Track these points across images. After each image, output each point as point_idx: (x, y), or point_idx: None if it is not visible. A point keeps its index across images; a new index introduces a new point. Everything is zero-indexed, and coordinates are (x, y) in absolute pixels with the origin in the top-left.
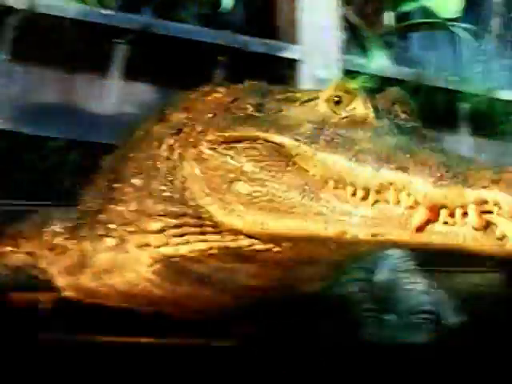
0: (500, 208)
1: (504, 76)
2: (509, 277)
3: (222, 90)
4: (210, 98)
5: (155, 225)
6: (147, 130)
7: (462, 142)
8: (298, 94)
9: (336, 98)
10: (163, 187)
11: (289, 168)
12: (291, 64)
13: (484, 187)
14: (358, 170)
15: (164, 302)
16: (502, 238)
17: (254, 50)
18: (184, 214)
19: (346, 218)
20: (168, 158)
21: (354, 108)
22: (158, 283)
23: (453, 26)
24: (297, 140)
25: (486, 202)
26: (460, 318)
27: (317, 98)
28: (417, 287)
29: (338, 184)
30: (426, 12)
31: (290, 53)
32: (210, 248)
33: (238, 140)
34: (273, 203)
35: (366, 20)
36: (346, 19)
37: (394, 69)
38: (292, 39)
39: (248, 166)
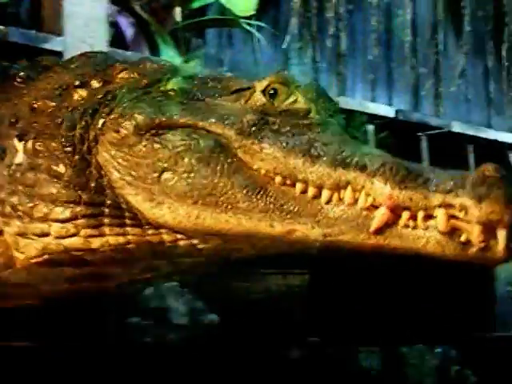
0: (466, 213)
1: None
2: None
3: (130, 67)
4: (122, 75)
5: (62, 212)
6: (62, 92)
7: None
8: (230, 82)
9: (272, 90)
10: (72, 172)
11: (229, 160)
12: (55, 56)
13: (450, 191)
14: (311, 166)
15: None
16: (467, 243)
17: (14, 40)
18: (100, 204)
19: (295, 217)
20: (82, 139)
21: (294, 101)
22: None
23: (248, 24)
24: (241, 131)
25: (452, 206)
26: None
27: (252, 87)
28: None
29: (286, 180)
30: (223, 9)
31: (53, 44)
32: (128, 242)
33: (171, 127)
34: (211, 197)
35: (156, 15)
36: (134, 13)
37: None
38: (56, 30)
39: (183, 157)
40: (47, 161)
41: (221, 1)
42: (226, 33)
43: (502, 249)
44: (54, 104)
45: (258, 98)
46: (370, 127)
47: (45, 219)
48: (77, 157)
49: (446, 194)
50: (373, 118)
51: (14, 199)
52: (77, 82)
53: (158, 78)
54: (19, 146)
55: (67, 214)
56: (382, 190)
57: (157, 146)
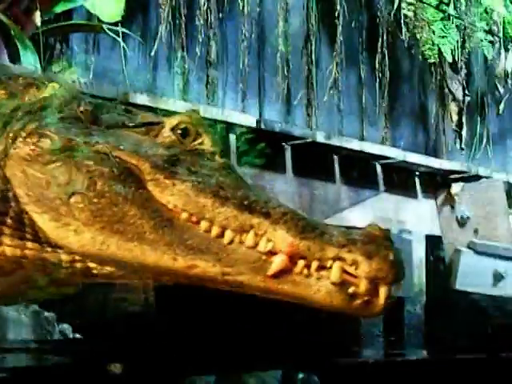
0: (357, 268)
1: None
2: None
3: (48, 84)
4: (33, 90)
5: None
6: None
7: None
8: (139, 115)
9: (181, 130)
10: None
11: (141, 191)
12: None
13: (344, 246)
14: (220, 207)
15: None
16: (353, 295)
17: None
18: (4, 213)
19: (198, 253)
20: None
21: (202, 142)
22: None
23: (112, 30)
24: (155, 165)
25: (344, 260)
26: None
27: (161, 123)
28: None
29: (192, 217)
30: (89, 14)
31: None
32: (25, 256)
33: (87, 151)
34: (119, 225)
35: (16, 19)
36: None
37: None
38: None
39: (96, 182)
40: None
41: (86, 6)
42: (93, 39)
43: (381, 303)
44: None
45: (168, 135)
46: (232, 137)
47: None
48: None
49: (340, 248)
50: (235, 127)
51: None
52: None
53: (70, 98)
54: None
55: None
56: (283, 237)
57: (71, 167)
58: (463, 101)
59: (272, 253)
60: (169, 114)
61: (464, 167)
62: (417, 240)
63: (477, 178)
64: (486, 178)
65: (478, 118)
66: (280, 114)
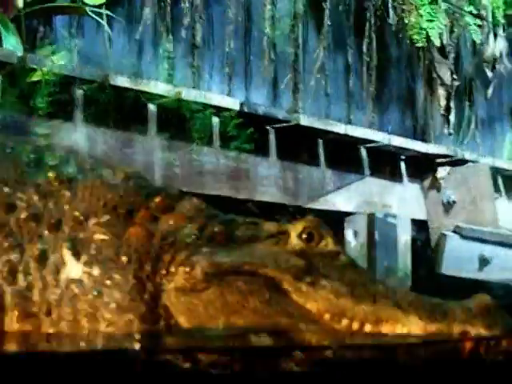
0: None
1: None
2: None
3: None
4: (170, 217)
5: None
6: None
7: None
8: (263, 225)
9: (307, 234)
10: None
11: (287, 301)
12: None
13: (466, 322)
14: (357, 305)
15: None
16: None
17: None
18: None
19: None
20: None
21: (326, 244)
22: None
23: (96, 13)
24: (296, 276)
25: (470, 335)
26: None
27: (287, 231)
28: None
29: (334, 317)
30: None
31: None
32: None
33: (235, 273)
34: None
35: None
36: None
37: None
38: None
39: (248, 300)
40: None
41: None
42: (77, 21)
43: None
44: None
45: (297, 243)
46: (215, 120)
47: None
48: (146, 296)
49: (464, 324)
50: (218, 110)
51: None
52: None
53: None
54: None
55: None
56: (416, 323)
57: (225, 291)
58: (451, 85)
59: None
60: (151, 96)
61: (450, 151)
62: (402, 224)
63: (463, 162)
64: (473, 162)
65: (467, 103)
66: (267, 99)
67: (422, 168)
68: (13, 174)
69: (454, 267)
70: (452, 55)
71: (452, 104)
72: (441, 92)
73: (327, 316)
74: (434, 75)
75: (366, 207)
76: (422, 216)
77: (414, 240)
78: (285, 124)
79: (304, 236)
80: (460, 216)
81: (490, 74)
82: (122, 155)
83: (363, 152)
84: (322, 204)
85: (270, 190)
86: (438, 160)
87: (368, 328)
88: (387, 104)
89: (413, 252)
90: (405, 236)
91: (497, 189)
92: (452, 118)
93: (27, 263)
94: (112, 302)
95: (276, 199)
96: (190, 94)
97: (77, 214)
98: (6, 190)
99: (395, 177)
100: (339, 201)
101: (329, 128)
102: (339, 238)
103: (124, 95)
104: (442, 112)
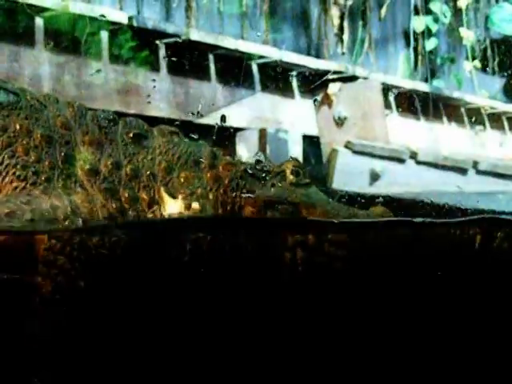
0: None
1: None
2: None
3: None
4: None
5: None
6: None
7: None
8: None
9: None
10: None
11: None
12: None
13: None
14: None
15: None
16: None
17: None
18: None
19: None
20: None
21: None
22: None
23: None
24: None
25: None
26: None
27: (284, 170)
28: None
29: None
30: None
31: None
32: None
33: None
34: None
35: None
36: None
37: None
38: None
39: None
40: None
41: None
42: None
43: None
44: None
45: (291, 177)
46: (104, 34)
47: None
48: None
49: None
50: (107, 24)
51: None
52: None
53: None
54: None
55: None
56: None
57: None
58: (344, 5)
59: None
60: (38, 9)
61: (341, 68)
62: (293, 139)
63: (354, 78)
64: (364, 78)
65: (360, 23)
66: (159, 16)
67: (314, 84)
68: None
69: (346, 182)
70: None
71: (346, 24)
72: (334, 12)
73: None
74: None
75: (257, 123)
76: (313, 132)
77: (305, 155)
78: (175, 39)
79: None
80: (351, 132)
81: None
82: (10, 69)
83: (254, 68)
84: (213, 119)
85: (161, 105)
86: (330, 76)
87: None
88: (281, 23)
89: (304, 167)
90: (296, 151)
91: (388, 105)
92: (346, 37)
93: None
94: None
95: (167, 114)
96: (77, 7)
97: None
98: None
99: (287, 93)
100: (231, 116)
101: (219, 43)
102: (230, 153)
103: (11, 8)
104: (336, 32)
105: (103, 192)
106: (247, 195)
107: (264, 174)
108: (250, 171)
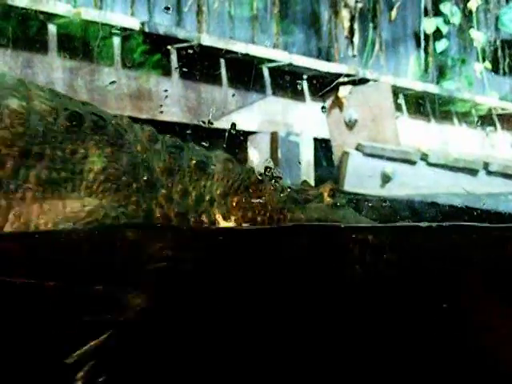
0: None
1: None
2: None
3: None
4: None
5: None
6: None
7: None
8: (311, 192)
9: (332, 194)
10: None
11: None
12: None
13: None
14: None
15: None
16: None
17: None
18: None
19: None
20: None
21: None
22: None
23: None
24: None
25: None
26: None
27: (322, 193)
28: None
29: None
30: None
31: None
32: None
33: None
34: None
35: None
36: None
37: None
38: None
39: None
40: None
41: None
42: None
43: None
44: None
45: (328, 199)
46: (116, 40)
47: None
48: None
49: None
50: (119, 30)
51: None
52: None
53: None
54: None
55: None
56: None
57: None
58: (355, 7)
59: None
60: (51, 16)
61: (351, 70)
62: (305, 142)
63: (365, 81)
64: (374, 81)
65: (371, 25)
66: (171, 22)
67: (324, 87)
68: None
69: (357, 184)
70: None
71: (356, 26)
72: (344, 14)
73: None
74: None
75: (268, 126)
76: (324, 135)
77: (316, 158)
78: (186, 44)
79: (331, 193)
80: (362, 134)
81: None
82: (23, 76)
83: (265, 71)
84: (224, 123)
85: (173, 110)
86: (340, 79)
87: None
88: (292, 26)
89: (316, 170)
90: (307, 154)
91: (398, 107)
92: (356, 40)
93: None
94: None
95: (178, 119)
96: (89, 14)
97: None
98: None
99: (298, 96)
100: (242, 120)
101: (230, 47)
102: (242, 157)
103: (23, 15)
104: (346, 34)
105: (177, 216)
106: (289, 219)
107: (304, 197)
108: (293, 196)
